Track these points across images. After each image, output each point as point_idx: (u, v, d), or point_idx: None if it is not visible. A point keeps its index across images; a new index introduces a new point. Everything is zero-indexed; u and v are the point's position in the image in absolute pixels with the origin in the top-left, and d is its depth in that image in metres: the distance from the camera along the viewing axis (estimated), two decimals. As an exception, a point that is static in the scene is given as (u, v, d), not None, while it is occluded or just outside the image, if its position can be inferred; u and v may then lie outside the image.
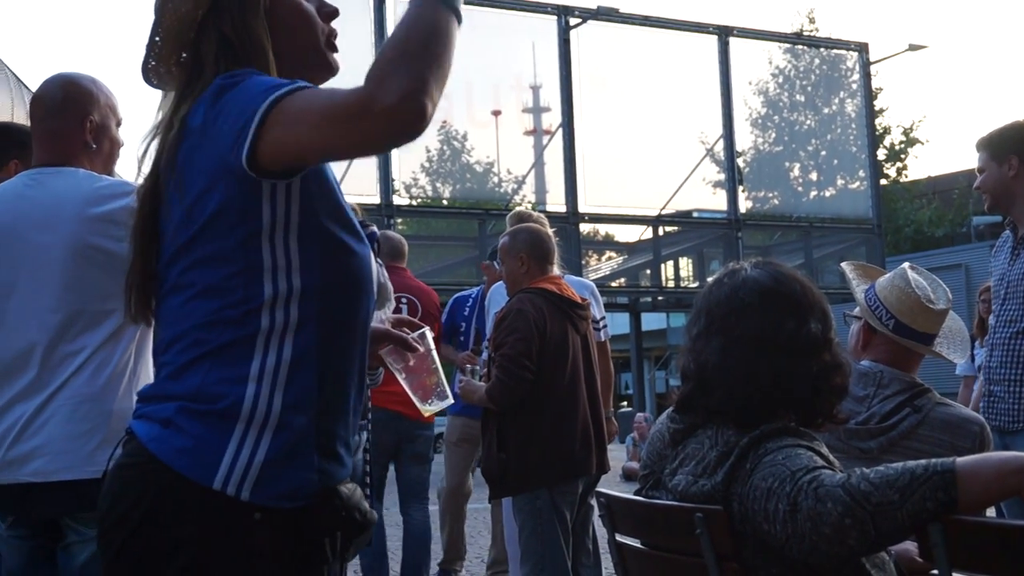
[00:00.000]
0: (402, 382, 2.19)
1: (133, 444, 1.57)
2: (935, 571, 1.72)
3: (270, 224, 1.53)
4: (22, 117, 8.33)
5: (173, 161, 1.58)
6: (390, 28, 15.81)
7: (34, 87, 2.73)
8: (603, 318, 5.30)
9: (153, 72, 1.70)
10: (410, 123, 1.41)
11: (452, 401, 2.24)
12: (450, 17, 1.46)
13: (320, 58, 1.72)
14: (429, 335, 2.20)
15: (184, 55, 1.66)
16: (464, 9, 1.51)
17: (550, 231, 4.91)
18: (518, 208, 12.97)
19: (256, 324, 1.53)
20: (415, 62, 1.41)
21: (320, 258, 1.57)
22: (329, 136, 1.45)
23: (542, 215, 5.37)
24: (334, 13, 1.73)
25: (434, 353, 2.20)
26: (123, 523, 1.54)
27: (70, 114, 2.60)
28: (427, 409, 2.23)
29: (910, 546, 2.02)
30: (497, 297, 5.21)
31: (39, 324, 2.47)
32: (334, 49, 1.74)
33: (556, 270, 4.62)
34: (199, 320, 1.56)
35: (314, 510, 1.56)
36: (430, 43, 1.43)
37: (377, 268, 2.05)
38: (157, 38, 1.67)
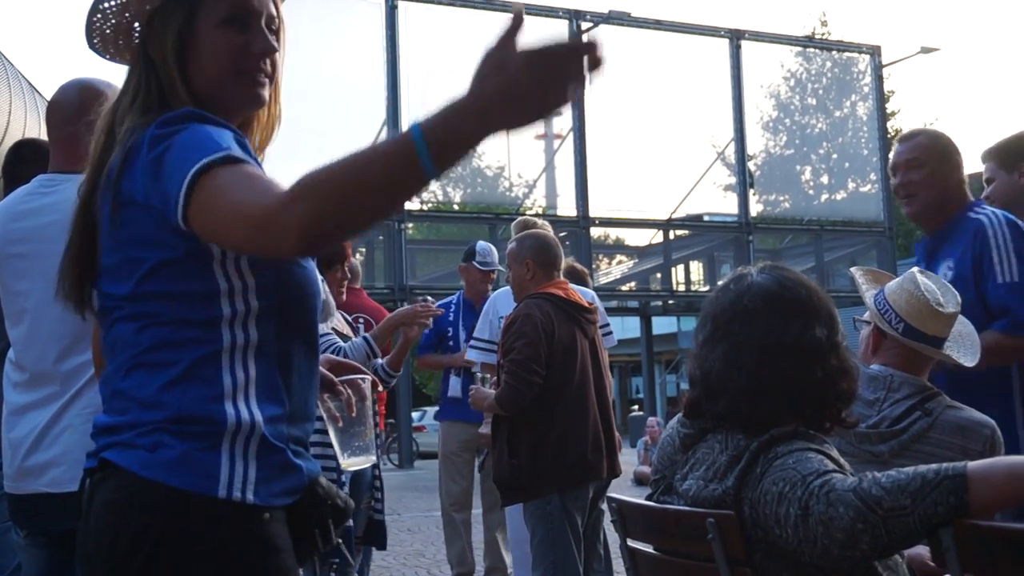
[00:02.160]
0: (331, 430, 2.09)
1: (118, 478, 1.56)
2: (947, 575, 1.71)
3: (220, 253, 1.57)
4: (34, 125, 8.35)
5: (115, 185, 1.58)
6: (401, 36, 15.85)
7: (47, 93, 2.73)
8: (606, 324, 5.28)
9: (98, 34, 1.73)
10: (307, 249, 1.41)
11: (374, 459, 2.16)
12: (418, 176, 1.31)
13: (238, 91, 1.68)
14: (369, 385, 2.11)
15: (121, 41, 1.70)
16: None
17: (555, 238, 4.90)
18: (522, 216, 12.98)
19: (219, 342, 1.58)
20: (338, 203, 1.34)
21: (272, 279, 1.61)
22: (233, 233, 1.46)
23: (547, 223, 5.38)
24: (265, 51, 1.68)
25: (369, 404, 2.11)
26: (134, 554, 1.52)
27: (88, 119, 2.59)
28: (348, 463, 2.14)
29: (922, 550, 2.02)
30: (503, 302, 5.21)
31: (53, 334, 2.48)
32: (260, 84, 1.69)
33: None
34: (159, 342, 1.58)
35: (305, 503, 1.66)
36: (370, 191, 1.33)
37: (321, 283, 2.00)
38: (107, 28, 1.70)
